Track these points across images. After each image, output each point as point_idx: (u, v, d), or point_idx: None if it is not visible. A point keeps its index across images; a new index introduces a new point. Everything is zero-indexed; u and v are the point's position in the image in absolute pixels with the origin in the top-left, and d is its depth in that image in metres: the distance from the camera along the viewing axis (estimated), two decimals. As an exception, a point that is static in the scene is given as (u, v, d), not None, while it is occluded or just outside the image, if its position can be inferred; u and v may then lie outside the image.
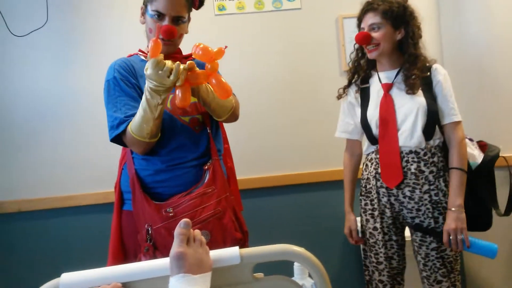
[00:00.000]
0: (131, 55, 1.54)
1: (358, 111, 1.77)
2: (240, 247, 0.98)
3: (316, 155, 2.32)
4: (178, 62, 1.27)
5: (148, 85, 1.26)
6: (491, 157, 1.67)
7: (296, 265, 1.20)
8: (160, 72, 1.22)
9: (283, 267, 1.18)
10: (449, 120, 1.64)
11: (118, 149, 2.31)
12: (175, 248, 0.87)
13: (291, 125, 2.41)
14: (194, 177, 1.42)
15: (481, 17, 2.28)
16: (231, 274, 0.93)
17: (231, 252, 0.93)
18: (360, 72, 1.79)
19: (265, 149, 2.39)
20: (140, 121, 1.30)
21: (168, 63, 1.24)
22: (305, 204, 2.42)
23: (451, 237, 1.54)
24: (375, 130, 1.70)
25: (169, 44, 1.44)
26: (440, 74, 1.67)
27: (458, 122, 1.64)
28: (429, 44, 2.49)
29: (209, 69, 1.30)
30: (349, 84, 1.81)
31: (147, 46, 1.41)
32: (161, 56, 1.25)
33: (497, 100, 2.24)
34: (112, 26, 2.36)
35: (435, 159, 1.64)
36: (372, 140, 1.73)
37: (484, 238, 2.33)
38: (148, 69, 1.23)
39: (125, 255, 1.43)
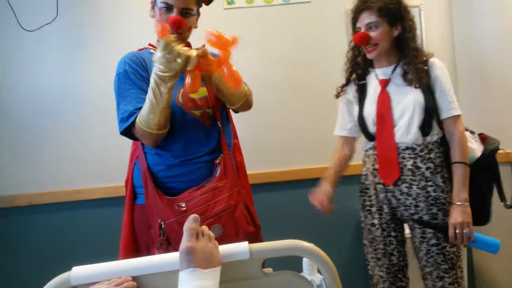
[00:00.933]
0: (141, 49, 1.55)
1: (356, 108, 1.76)
2: (253, 241, 0.99)
3: (325, 149, 2.30)
4: (189, 48, 1.27)
5: (154, 70, 1.26)
6: (490, 151, 1.65)
7: (305, 261, 1.21)
8: (168, 55, 1.22)
9: (292, 263, 1.18)
10: (448, 115, 1.61)
11: (127, 142, 2.32)
12: (184, 243, 0.87)
13: (300, 119, 2.40)
14: (207, 172, 1.43)
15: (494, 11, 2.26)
16: (240, 269, 0.93)
17: (241, 247, 0.93)
18: (358, 70, 1.78)
19: (274, 143, 2.39)
20: (147, 111, 1.30)
21: (178, 47, 1.23)
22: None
23: (457, 231, 1.53)
24: (372, 127, 1.69)
25: (178, 36, 1.43)
26: (438, 68, 1.63)
27: (458, 116, 1.61)
28: (440, 39, 2.48)
29: (222, 57, 1.29)
30: (347, 82, 1.80)
31: (157, 41, 1.43)
32: (172, 37, 1.24)
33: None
34: (121, 21, 2.36)
35: (432, 155, 1.62)
36: (370, 136, 1.72)
37: (492, 233, 2.32)
38: (157, 52, 1.23)
39: (137, 249, 1.43)
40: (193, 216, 0.91)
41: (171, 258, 0.91)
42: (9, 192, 2.31)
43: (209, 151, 1.45)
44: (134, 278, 0.89)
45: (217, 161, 1.44)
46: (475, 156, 1.63)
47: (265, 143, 2.37)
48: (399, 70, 1.66)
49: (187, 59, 1.23)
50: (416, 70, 1.60)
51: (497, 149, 1.67)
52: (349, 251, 2.23)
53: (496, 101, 2.29)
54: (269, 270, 0.97)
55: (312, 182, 2.38)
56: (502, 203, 1.71)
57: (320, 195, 1.68)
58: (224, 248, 0.93)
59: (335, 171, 1.78)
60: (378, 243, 1.70)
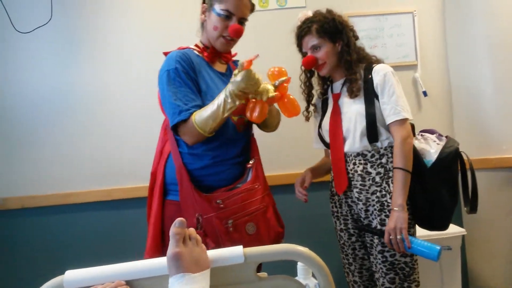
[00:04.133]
0: (182, 48, 1.56)
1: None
2: (280, 241, 1.07)
3: (321, 154, 2.31)
4: (265, 83, 1.40)
5: (231, 88, 1.35)
6: (446, 154, 1.59)
7: (299, 265, 1.20)
8: (251, 83, 1.34)
9: (286, 267, 1.18)
10: (390, 120, 1.59)
11: (121, 146, 2.33)
12: (171, 248, 0.86)
13: (295, 123, 2.40)
14: (236, 173, 1.53)
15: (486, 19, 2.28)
16: (234, 273, 0.93)
17: (235, 251, 0.93)
18: (312, 92, 1.84)
19: (268, 148, 2.38)
20: (209, 116, 1.37)
21: (259, 78, 1.37)
22: (309, 203, 2.41)
23: (391, 237, 1.50)
24: (327, 139, 1.75)
25: (231, 43, 1.56)
26: (379, 75, 1.62)
27: (401, 121, 1.57)
28: (434, 45, 2.51)
29: (284, 91, 1.45)
30: (308, 105, 1.85)
31: (200, 41, 1.60)
32: (253, 70, 1.36)
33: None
34: (115, 23, 2.36)
35: (384, 160, 1.62)
36: (328, 148, 1.77)
37: (488, 238, 2.33)
38: (239, 77, 1.33)
39: (163, 244, 1.47)
40: (179, 220, 0.90)
41: (165, 262, 0.90)
42: (1, 194, 2.29)
43: (236, 155, 1.54)
44: (128, 282, 0.88)
45: (249, 165, 1.55)
46: (431, 160, 1.60)
47: (259, 147, 2.37)
48: (346, 84, 1.70)
49: (267, 91, 1.37)
50: (351, 81, 1.65)
51: (455, 152, 1.61)
52: (343, 255, 2.24)
53: (488, 104, 2.31)
54: (263, 274, 0.97)
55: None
56: (465, 209, 1.70)
57: (299, 178, 1.77)
58: (218, 252, 0.93)
59: (319, 165, 1.89)
60: (348, 248, 1.73)
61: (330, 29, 1.66)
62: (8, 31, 2.27)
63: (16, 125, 2.31)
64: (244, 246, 0.94)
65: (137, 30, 2.38)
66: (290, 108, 1.49)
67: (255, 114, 1.41)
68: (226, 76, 1.61)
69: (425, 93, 2.46)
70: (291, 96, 1.49)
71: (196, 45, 1.60)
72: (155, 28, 2.37)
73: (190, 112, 1.40)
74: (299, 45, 1.74)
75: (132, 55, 2.36)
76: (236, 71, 1.36)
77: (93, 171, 2.33)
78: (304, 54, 1.74)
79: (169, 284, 0.84)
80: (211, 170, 1.49)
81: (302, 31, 1.69)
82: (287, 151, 2.41)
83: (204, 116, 1.38)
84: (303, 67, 1.80)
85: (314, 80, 1.85)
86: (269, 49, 2.39)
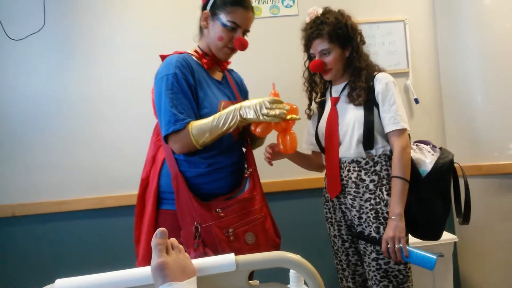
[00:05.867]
0: (179, 53, 1.54)
1: (315, 124, 1.82)
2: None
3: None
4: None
5: (243, 113, 1.36)
6: (441, 164, 1.60)
7: (291, 272, 1.20)
8: (263, 112, 1.35)
9: (278, 275, 1.18)
10: (389, 129, 1.60)
11: (113, 153, 2.32)
12: (155, 259, 0.85)
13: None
14: (233, 181, 1.52)
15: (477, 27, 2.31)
16: (226, 281, 0.92)
17: (227, 259, 0.92)
18: (316, 89, 1.83)
19: (261, 155, 2.39)
20: (206, 129, 1.36)
21: (284, 104, 1.39)
22: (300, 210, 2.42)
23: (389, 246, 1.50)
24: (323, 142, 1.75)
25: (233, 53, 1.57)
26: (381, 83, 1.63)
27: (401, 130, 1.58)
28: (425, 51, 2.53)
29: (290, 125, 1.47)
30: (310, 102, 1.85)
31: (198, 46, 1.60)
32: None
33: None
34: (108, 31, 2.37)
35: (378, 167, 1.62)
36: (323, 151, 1.78)
37: (479, 244, 2.34)
38: (257, 103, 1.35)
39: None
40: (160, 230, 0.89)
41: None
42: (-8, 202, 2.27)
43: (233, 163, 1.52)
44: (119, 291, 0.88)
45: (246, 175, 1.54)
46: (426, 170, 1.61)
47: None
48: (347, 88, 1.70)
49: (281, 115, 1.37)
50: (356, 88, 1.65)
51: (450, 162, 1.61)
52: (335, 263, 2.23)
53: (479, 111, 2.34)
54: (255, 282, 0.97)
55: (300, 193, 2.41)
56: (458, 220, 1.71)
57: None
58: (210, 260, 0.93)
59: (302, 153, 1.89)
60: (341, 254, 1.74)
61: (343, 34, 1.65)
62: (1, 38, 2.27)
63: (8, 132, 2.30)
64: None
65: (131, 37, 2.38)
66: (288, 144, 1.49)
67: (259, 130, 1.42)
68: (222, 85, 1.60)
69: (416, 101, 2.48)
70: (293, 133, 1.50)
71: (195, 51, 1.58)
72: (149, 35, 2.38)
73: (185, 122, 1.37)
74: (307, 45, 1.72)
75: (125, 62, 2.37)
76: (260, 100, 1.36)
77: (85, 178, 2.32)
78: (310, 55, 1.73)
79: None
80: (207, 178, 1.46)
81: (313, 33, 1.66)
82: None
83: (202, 128, 1.37)
84: (307, 66, 1.78)
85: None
86: (262, 57, 2.40)
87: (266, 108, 1.35)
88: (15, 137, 2.30)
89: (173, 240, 0.93)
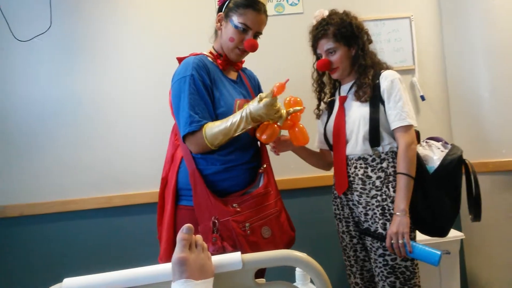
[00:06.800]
0: (195, 54, 1.58)
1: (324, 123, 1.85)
2: (291, 244, 1.05)
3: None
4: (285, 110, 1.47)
5: (251, 111, 1.39)
6: (449, 161, 1.59)
7: (298, 271, 1.21)
8: (272, 112, 1.40)
9: (285, 273, 1.18)
10: (395, 126, 1.60)
11: (120, 153, 2.33)
12: (177, 253, 0.87)
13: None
14: (249, 178, 1.54)
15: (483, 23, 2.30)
16: (233, 279, 0.93)
17: (233, 257, 0.93)
18: (325, 89, 1.86)
19: (271, 154, 2.39)
20: (219, 131, 1.41)
21: (280, 107, 1.43)
22: (307, 208, 2.41)
23: (393, 241, 1.52)
24: (331, 140, 1.77)
25: (244, 54, 1.60)
26: (386, 81, 1.64)
27: (406, 127, 1.59)
28: (431, 49, 2.52)
29: (297, 119, 1.51)
30: (320, 102, 1.87)
31: (213, 48, 1.63)
32: (277, 100, 1.42)
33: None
34: (114, 32, 2.37)
35: (384, 164, 1.63)
36: (332, 149, 1.79)
37: (486, 241, 2.33)
38: (262, 103, 1.38)
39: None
40: (187, 226, 0.90)
41: (164, 269, 0.90)
42: (0, 202, 2.29)
43: (248, 160, 1.55)
44: (127, 290, 0.88)
45: (261, 171, 1.57)
46: (433, 166, 1.61)
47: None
48: (354, 87, 1.72)
49: (280, 118, 1.44)
50: (362, 85, 1.67)
51: (458, 159, 1.61)
52: (342, 261, 2.23)
53: (486, 108, 2.32)
54: (262, 280, 0.97)
55: (306, 191, 2.41)
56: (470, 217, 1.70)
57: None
58: (216, 258, 0.93)
59: (311, 151, 1.90)
60: (349, 250, 1.75)
61: (347, 33, 1.67)
62: (8, 39, 2.28)
63: (15, 133, 2.32)
64: (261, 250, 0.95)
65: (137, 38, 2.39)
66: (300, 137, 1.53)
67: (264, 137, 1.48)
68: (237, 84, 1.64)
69: (423, 97, 2.47)
70: (301, 126, 1.54)
71: (210, 52, 1.62)
72: (155, 36, 2.39)
73: (201, 124, 1.42)
74: (314, 46, 1.75)
75: (132, 63, 2.37)
76: (263, 95, 1.39)
77: (92, 177, 2.33)
78: (318, 55, 1.76)
79: None
80: (224, 175, 1.50)
81: (319, 33, 1.70)
82: (289, 156, 2.41)
83: (215, 130, 1.41)
84: (315, 66, 1.81)
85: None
86: (267, 55, 2.40)
87: (267, 115, 1.40)
88: (23, 138, 2.32)
89: (199, 237, 0.93)
